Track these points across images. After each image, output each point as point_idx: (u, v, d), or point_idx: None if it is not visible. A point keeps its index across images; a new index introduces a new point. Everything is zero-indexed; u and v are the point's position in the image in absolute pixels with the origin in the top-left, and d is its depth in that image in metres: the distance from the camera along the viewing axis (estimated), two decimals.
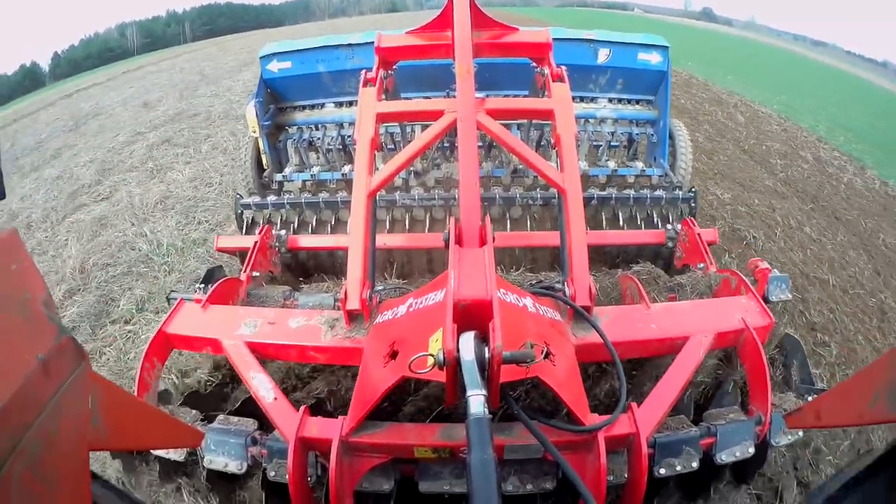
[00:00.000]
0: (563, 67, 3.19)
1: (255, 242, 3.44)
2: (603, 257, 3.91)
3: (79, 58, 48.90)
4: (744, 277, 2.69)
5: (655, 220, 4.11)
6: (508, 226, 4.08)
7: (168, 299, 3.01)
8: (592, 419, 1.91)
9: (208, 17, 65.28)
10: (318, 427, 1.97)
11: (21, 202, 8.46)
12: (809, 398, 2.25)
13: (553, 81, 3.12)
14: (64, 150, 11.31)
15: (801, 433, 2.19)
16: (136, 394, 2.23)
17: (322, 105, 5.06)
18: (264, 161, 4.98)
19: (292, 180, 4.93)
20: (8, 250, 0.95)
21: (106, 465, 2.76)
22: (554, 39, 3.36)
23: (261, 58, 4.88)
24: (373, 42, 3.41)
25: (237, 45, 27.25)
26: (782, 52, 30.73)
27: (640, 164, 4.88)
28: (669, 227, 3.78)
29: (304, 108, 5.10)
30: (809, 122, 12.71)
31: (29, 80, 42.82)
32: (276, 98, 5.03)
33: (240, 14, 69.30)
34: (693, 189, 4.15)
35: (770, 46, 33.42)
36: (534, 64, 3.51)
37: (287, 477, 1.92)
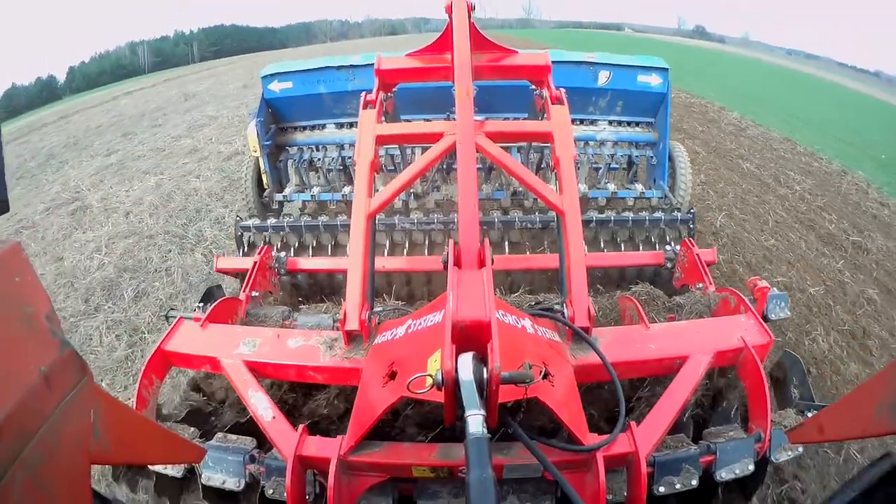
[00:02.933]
0: (563, 90, 3.21)
1: (255, 263, 3.45)
2: (602, 279, 3.92)
3: (93, 73, 49.93)
4: (743, 296, 2.70)
5: (654, 241, 4.12)
6: (507, 249, 4.09)
7: (167, 317, 3.01)
8: (591, 439, 1.91)
9: (215, 38, 66.38)
10: (317, 446, 1.97)
11: (216, 114, 14.40)
12: (809, 414, 2.25)
13: (552, 104, 3.14)
14: (203, 105, 16.98)
15: (800, 449, 2.18)
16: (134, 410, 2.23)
17: (323, 126, 5.09)
18: (265, 181, 5.00)
19: (292, 200, 4.94)
20: (11, 263, 0.96)
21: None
22: (554, 62, 3.39)
23: (262, 77, 4.92)
24: (373, 64, 3.44)
25: (268, 60, 29.52)
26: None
27: (639, 187, 4.90)
28: (668, 247, 3.79)
29: (304, 128, 5.14)
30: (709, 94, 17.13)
31: (46, 91, 43.75)
32: (277, 118, 5.07)
33: (245, 36, 70.38)
34: (692, 210, 4.16)
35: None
36: (533, 86, 3.53)
37: (285, 495, 1.91)
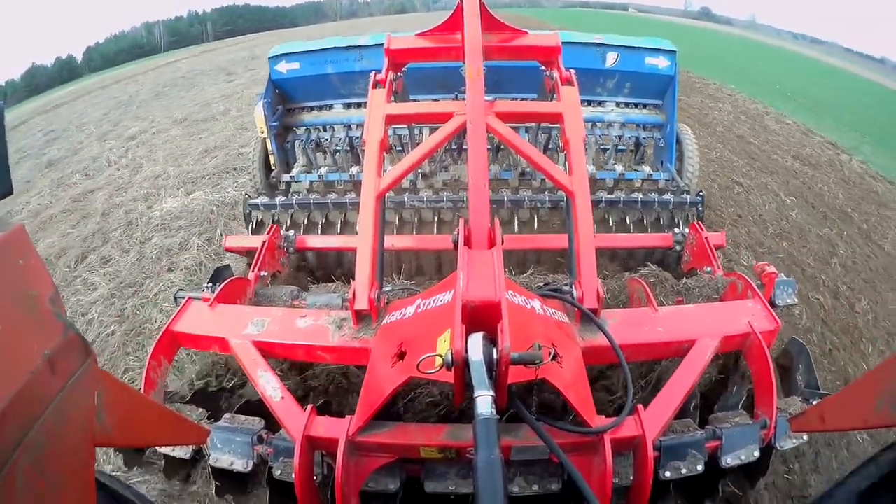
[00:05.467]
0: (572, 71, 3.18)
1: (264, 242, 3.45)
2: (611, 260, 3.91)
3: (111, 52, 50.39)
4: (751, 281, 2.69)
5: (663, 223, 4.11)
6: (517, 228, 4.09)
7: (175, 298, 3.02)
8: (599, 421, 1.91)
9: (228, 18, 66.36)
10: (325, 426, 1.97)
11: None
12: (814, 402, 2.24)
13: (562, 85, 3.11)
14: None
15: (805, 437, 2.18)
16: (142, 391, 2.24)
17: (330, 106, 5.07)
18: (272, 161, 4.99)
19: (300, 181, 4.94)
20: (15, 246, 0.96)
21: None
22: (562, 43, 3.37)
23: (269, 58, 4.89)
24: (381, 44, 3.41)
25: (293, 35, 32.59)
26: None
27: (647, 169, 4.87)
28: (677, 230, 3.78)
29: (312, 109, 5.11)
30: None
31: (66, 71, 44.38)
32: (284, 99, 5.05)
33: (257, 15, 70.25)
34: (700, 193, 4.14)
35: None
36: (542, 67, 3.50)
37: (293, 476, 1.92)
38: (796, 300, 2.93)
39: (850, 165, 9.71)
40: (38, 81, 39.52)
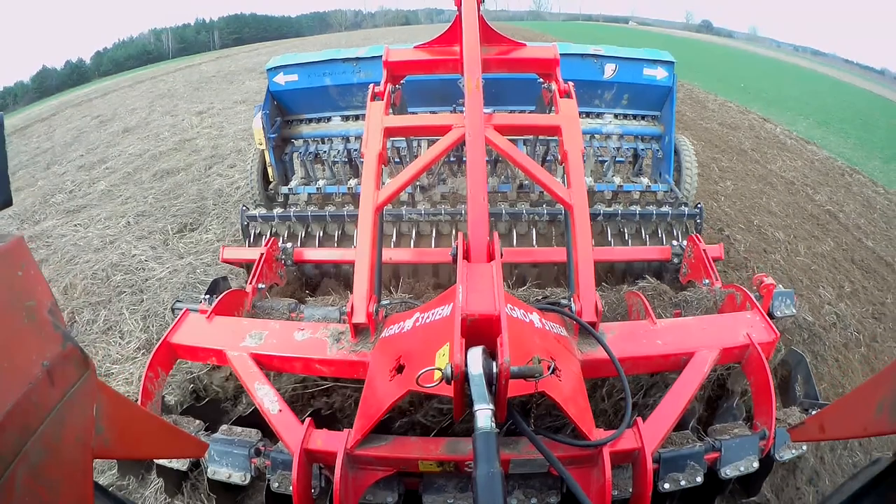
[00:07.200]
0: (571, 83, 3.19)
1: (261, 254, 3.44)
2: (609, 273, 3.91)
3: (120, 57, 52.07)
4: (749, 293, 2.69)
5: (661, 235, 4.11)
6: (515, 241, 4.08)
7: (173, 310, 3.01)
8: (598, 434, 1.91)
9: (235, 27, 67.63)
10: (323, 440, 1.97)
11: None
12: (813, 412, 2.24)
13: (560, 97, 3.11)
14: None
15: (804, 447, 2.18)
16: (139, 403, 2.23)
17: (328, 118, 5.06)
18: (270, 173, 4.98)
19: (298, 193, 4.93)
20: (14, 257, 0.95)
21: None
22: (560, 55, 3.38)
23: (268, 70, 4.89)
24: (378, 56, 3.42)
25: (300, 45, 33.65)
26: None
27: (645, 180, 4.87)
28: (675, 243, 3.78)
29: (310, 121, 5.10)
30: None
31: (76, 74, 45.89)
32: (282, 111, 5.04)
33: (264, 25, 71.43)
34: (699, 205, 4.15)
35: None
36: (541, 80, 3.51)
37: (291, 489, 1.91)
38: (795, 311, 2.93)
39: (771, 130, 11.63)
40: (48, 83, 40.91)
